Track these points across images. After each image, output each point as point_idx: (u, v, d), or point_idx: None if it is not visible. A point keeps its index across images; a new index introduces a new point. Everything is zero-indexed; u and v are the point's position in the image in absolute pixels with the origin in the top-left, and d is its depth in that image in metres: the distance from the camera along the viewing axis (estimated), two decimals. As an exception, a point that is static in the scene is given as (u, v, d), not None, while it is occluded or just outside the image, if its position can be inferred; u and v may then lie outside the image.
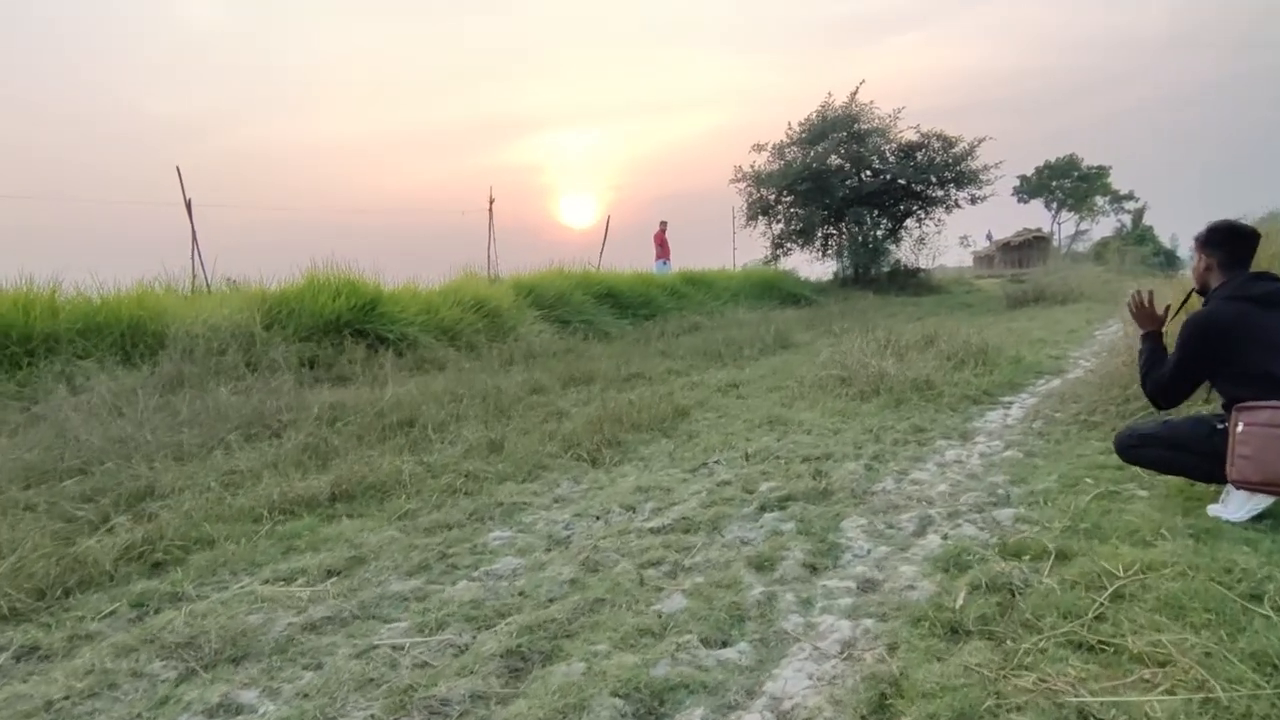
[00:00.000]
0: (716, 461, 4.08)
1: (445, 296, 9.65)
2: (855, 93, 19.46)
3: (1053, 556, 2.38)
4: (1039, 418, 4.47)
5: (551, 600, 2.48)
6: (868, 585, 2.42)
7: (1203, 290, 2.81)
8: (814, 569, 2.59)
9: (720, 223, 21.36)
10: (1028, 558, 2.43)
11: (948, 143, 19.39)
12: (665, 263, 16.28)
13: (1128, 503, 2.88)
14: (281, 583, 2.79)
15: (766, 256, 20.98)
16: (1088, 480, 3.18)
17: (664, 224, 16.41)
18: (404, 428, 5.00)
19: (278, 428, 4.96)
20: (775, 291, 16.62)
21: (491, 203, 14.02)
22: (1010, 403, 5.17)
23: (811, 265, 21.46)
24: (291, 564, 2.94)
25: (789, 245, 21.10)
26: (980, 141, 19.34)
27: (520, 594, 2.55)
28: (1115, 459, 3.12)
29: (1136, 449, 2.84)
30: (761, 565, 2.64)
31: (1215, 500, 2.68)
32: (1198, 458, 2.65)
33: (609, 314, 11.71)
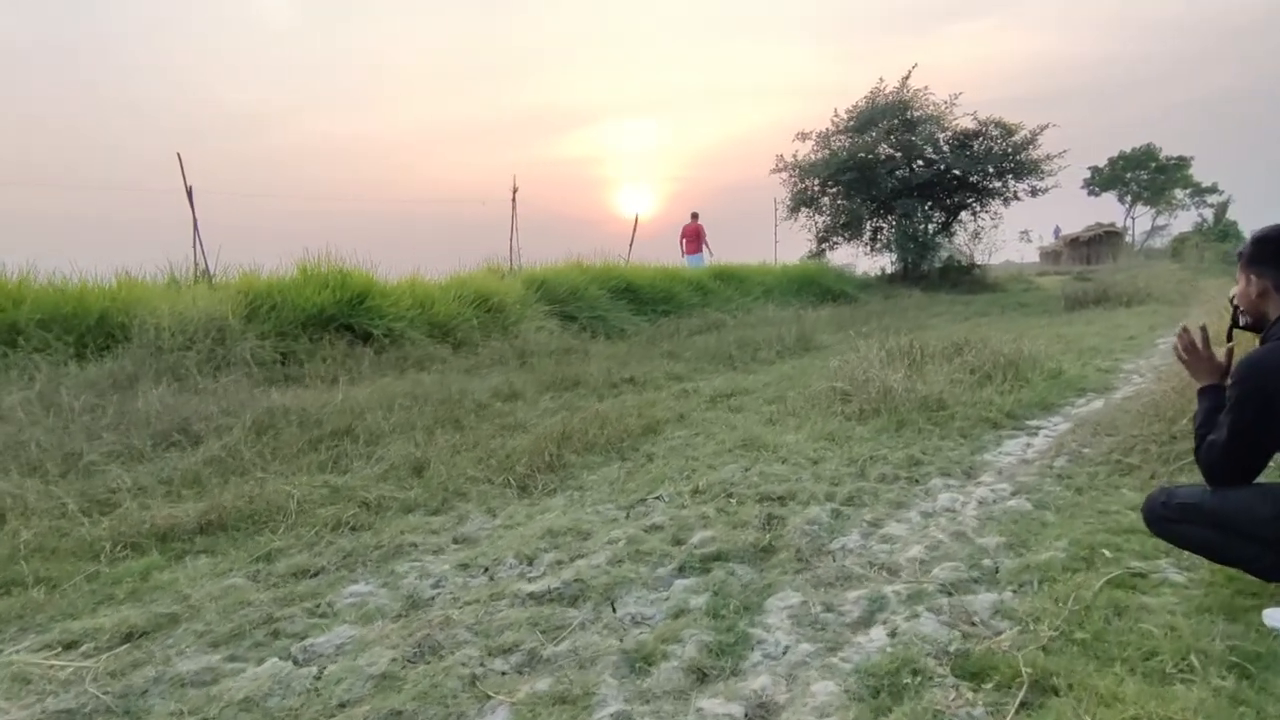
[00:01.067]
0: (659, 497, 3.42)
1: (446, 291, 9.18)
2: (907, 77, 18.32)
3: (1024, 688, 1.67)
4: (1063, 453, 3.67)
5: (341, 706, 1.88)
6: (758, 714, 1.74)
7: (1256, 324, 2.03)
8: (702, 676, 1.92)
9: (769, 216, 20.40)
10: (990, 686, 1.72)
11: (1007, 131, 18.06)
12: (698, 257, 15.53)
13: (1152, 593, 2.12)
14: (60, 649, 2.26)
15: (810, 250, 20.01)
16: (1105, 552, 2.42)
17: (695, 215, 15.65)
18: (335, 439, 4.47)
19: (200, 435, 4.48)
20: (814, 288, 15.72)
21: (515, 192, 13.51)
22: (1037, 429, 4.35)
23: (859, 259, 20.41)
24: (91, 622, 2.41)
25: (835, 239, 20.09)
26: (1043, 129, 17.97)
27: (313, 691, 1.96)
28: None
29: (1172, 524, 2.06)
30: (636, 664, 1.99)
31: (1277, 602, 1.92)
32: (1257, 546, 1.89)
33: (626, 310, 11.08)
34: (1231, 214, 37.27)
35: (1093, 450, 3.59)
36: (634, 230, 15.16)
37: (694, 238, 15.48)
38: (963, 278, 18.98)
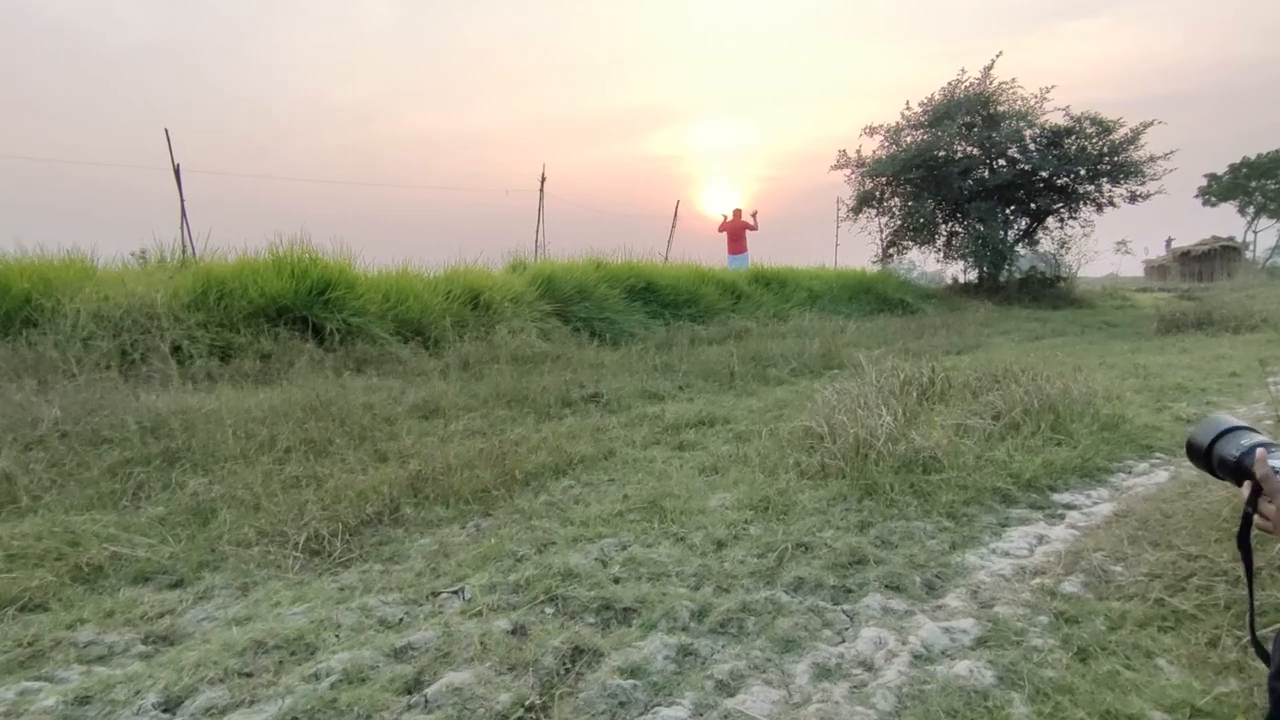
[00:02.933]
0: (459, 591, 2.39)
1: (434, 285, 8.36)
2: (990, 67, 16.47)
3: None
4: (1081, 566, 2.42)
5: None
6: None
7: None
8: None
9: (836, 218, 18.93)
10: None
11: (1104, 128, 15.97)
12: (743, 257, 14.30)
13: None
14: None
15: (875, 255, 18.42)
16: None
17: (738, 211, 14.39)
18: (154, 461, 3.62)
19: None
20: (870, 296, 14.24)
21: (543, 181, 12.64)
22: (1063, 511, 3.09)
23: (928, 264, 18.69)
24: None
25: (904, 243, 18.42)
26: (1146, 126, 15.80)
27: None
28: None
29: None
30: None
31: None
32: None
33: (641, 313, 10.03)
34: (1374, 231, 33.16)
35: (1126, 570, 2.33)
36: (674, 223, 14.05)
37: (737, 235, 14.24)
38: (1045, 291, 17.02)
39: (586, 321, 9.13)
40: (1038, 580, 2.33)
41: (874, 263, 18.13)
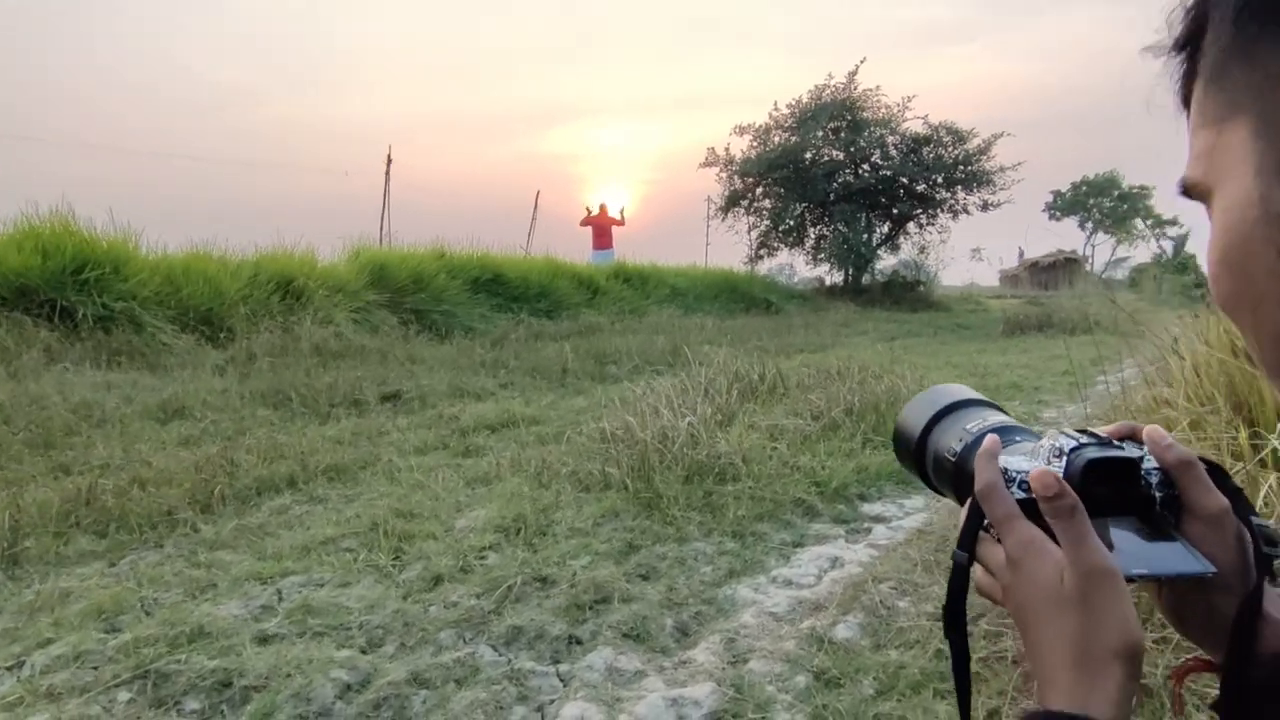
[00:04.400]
0: (14, 667, 1.67)
1: (239, 271, 7.34)
2: (855, 72, 16.74)
3: None
4: (864, 600, 1.95)
5: None
6: None
7: None
8: None
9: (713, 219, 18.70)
10: None
11: (959, 137, 16.57)
12: (608, 253, 13.81)
13: None
14: None
15: (746, 256, 18.40)
16: None
17: (604, 206, 13.92)
18: None
19: None
20: (736, 295, 14.09)
21: (389, 164, 11.67)
22: (870, 524, 2.67)
23: (804, 269, 18.89)
24: None
25: (775, 244, 18.49)
26: (996, 138, 16.49)
27: None
28: None
29: None
30: None
31: None
32: None
33: (487, 307, 9.32)
34: (1190, 247, 36.69)
35: (913, 607, 1.88)
36: (534, 214, 13.37)
37: (602, 231, 13.74)
38: (905, 294, 17.47)
39: (421, 313, 8.34)
40: (809, 622, 1.85)
41: (745, 263, 18.10)
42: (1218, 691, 0.44)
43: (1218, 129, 0.33)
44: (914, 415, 0.60)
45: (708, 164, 17.32)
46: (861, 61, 17.45)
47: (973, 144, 16.59)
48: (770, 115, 17.13)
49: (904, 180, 17.00)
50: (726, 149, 17.24)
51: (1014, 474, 0.47)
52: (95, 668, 1.66)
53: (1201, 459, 0.47)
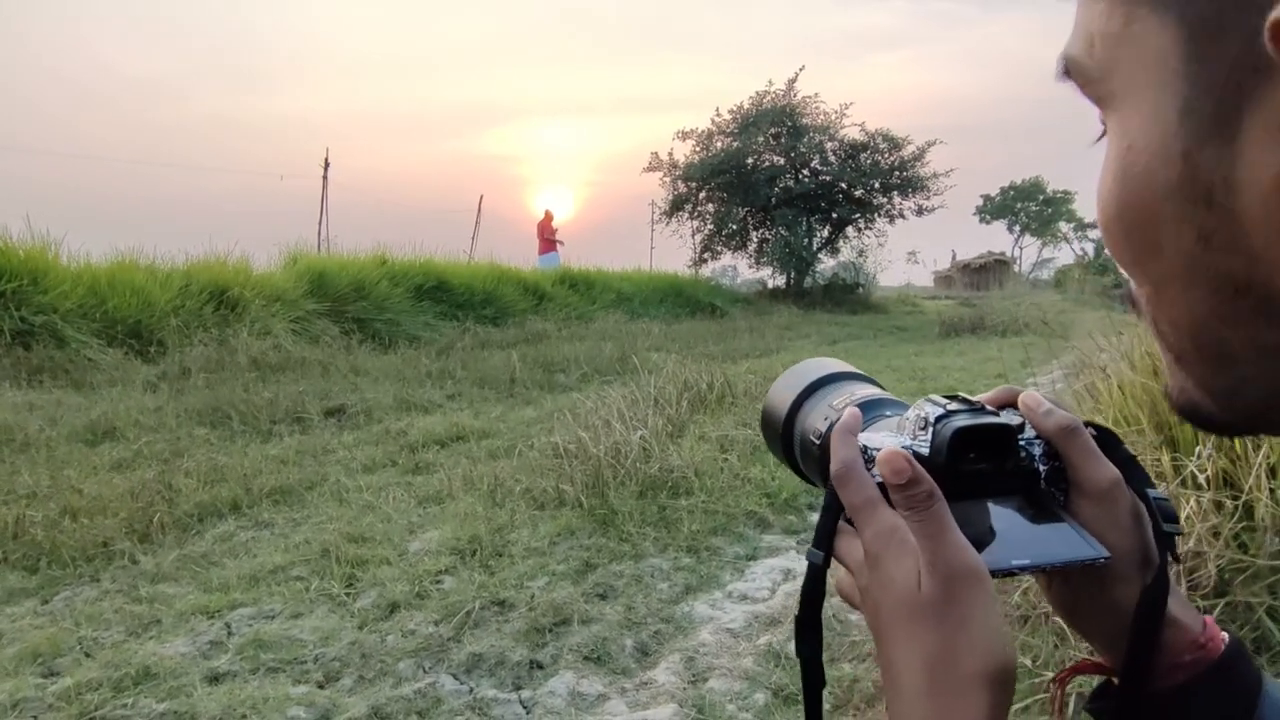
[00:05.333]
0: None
1: (169, 280, 7.06)
2: (794, 80, 17.07)
3: None
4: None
5: None
6: None
7: (1210, 381, 0.29)
8: None
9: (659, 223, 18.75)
10: None
11: (894, 144, 17.07)
12: (553, 256, 13.76)
13: None
14: None
15: (690, 259, 18.55)
16: None
17: (549, 213, 13.88)
18: None
19: None
20: (681, 299, 14.20)
21: (326, 168, 11.40)
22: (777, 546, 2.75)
23: (748, 271, 19.15)
24: None
25: (718, 248, 18.70)
26: (930, 145, 17.02)
27: None
28: None
29: None
30: None
31: None
32: None
33: (432, 314, 9.18)
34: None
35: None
36: (477, 218, 13.24)
37: (549, 236, 13.70)
38: (846, 296, 17.88)
39: (363, 323, 8.16)
40: (765, 638, 1.89)
41: (689, 267, 18.26)
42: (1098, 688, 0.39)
43: (1126, 11, 0.25)
44: (779, 395, 0.50)
45: (651, 169, 17.43)
46: (800, 69, 17.78)
47: (907, 151, 17.10)
48: (713, 121, 17.35)
49: (843, 185, 17.41)
50: (670, 154, 17.40)
51: (874, 452, 0.39)
52: (35, 716, 1.59)
53: (1089, 424, 0.41)
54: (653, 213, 18.53)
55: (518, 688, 1.74)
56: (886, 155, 17.14)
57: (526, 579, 2.27)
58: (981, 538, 0.37)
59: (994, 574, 0.36)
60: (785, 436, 0.49)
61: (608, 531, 2.62)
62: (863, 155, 17.27)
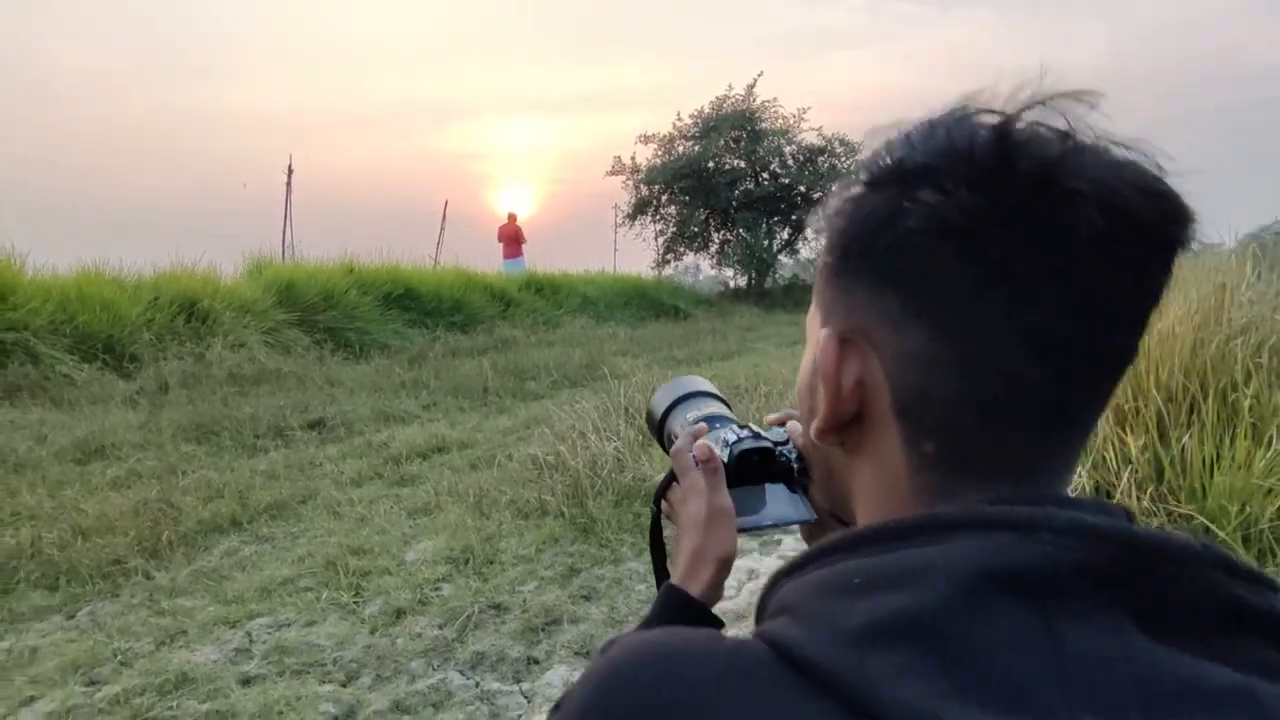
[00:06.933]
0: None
1: (138, 293, 7.10)
2: (753, 85, 17.46)
3: None
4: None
5: None
6: None
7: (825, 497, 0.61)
8: None
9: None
10: None
11: (851, 149, 17.56)
12: (518, 261, 13.91)
13: None
14: None
15: (653, 261, 18.83)
16: None
17: (513, 215, 14.02)
18: None
19: None
20: (646, 302, 14.46)
21: (290, 174, 11.42)
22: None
23: (703, 273, 19.46)
24: None
25: (681, 250, 19.01)
26: (885, 149, 17.51)
27: None
28: None
29: None
30: None
31: None
32: None
33: (400, 322, 9.31)
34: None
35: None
36: (443, 223, 13.33)
37: (512, 240, 13.84)
38: (806, 297, 18.22)
39: (333, 332, 8.27)
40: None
41: (652, 268, 18.53)
42: None
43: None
44: (659, 400, 0.80)
45: (614, 172, 17.69)
46: (759, 75, 18.18)
47: (864, 155, 17.56)
48: (674, 125, 17.65)
49: (802, 189, 17.84)
50: (633, 158, 17.67)
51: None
52: None
53: None
54: (616, 216, 18.77)
55: (518, 681, 1.98)
56: (843, 159, 17.61)
57: (518, 584, 2.52)
58: (751, 507, 0.64)
59: (746, 529, 0.62)
60: (659, 431, 0.78)
61: (589, 538, 2.87)
62: (820, 159, 17.74)
